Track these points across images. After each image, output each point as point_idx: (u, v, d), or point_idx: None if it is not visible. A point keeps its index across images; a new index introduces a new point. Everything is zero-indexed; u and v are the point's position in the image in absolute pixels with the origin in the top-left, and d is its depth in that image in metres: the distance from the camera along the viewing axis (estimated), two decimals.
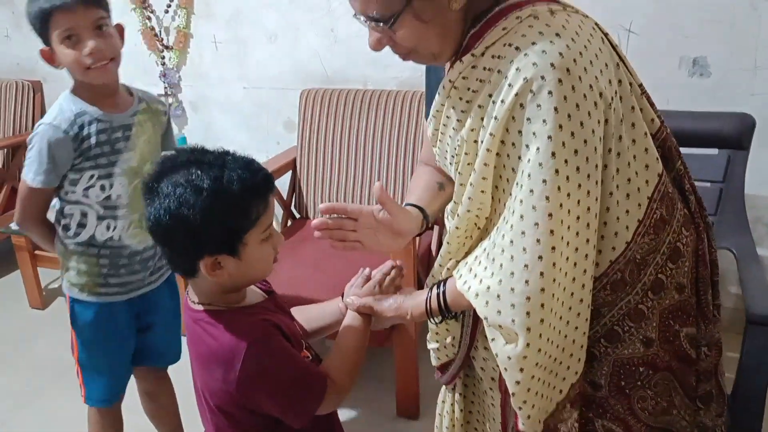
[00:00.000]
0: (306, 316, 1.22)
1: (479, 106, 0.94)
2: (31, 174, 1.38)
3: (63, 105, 1.40)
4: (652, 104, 1.02)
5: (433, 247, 2.25)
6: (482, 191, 0.97)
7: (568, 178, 0.87)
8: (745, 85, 2.08)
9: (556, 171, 0.86)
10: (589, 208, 0.90)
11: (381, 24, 0.92)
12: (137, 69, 2.89)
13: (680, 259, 1.01)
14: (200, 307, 1.03)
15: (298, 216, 2.60)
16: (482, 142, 0.94)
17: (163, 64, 2.85)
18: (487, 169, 0.94)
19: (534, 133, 0.87)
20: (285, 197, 2.56)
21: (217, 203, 0.93)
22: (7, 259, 2.90)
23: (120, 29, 1.42)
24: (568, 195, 0.87)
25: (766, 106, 2.03)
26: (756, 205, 2.17)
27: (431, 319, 1.10)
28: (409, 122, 2.38)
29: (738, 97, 2.08)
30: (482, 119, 0.94)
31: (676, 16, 2.09)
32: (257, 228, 0.98)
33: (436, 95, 1.02)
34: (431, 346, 1.22)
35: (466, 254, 1.05)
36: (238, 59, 2.77)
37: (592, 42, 0.92)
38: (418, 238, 1.92)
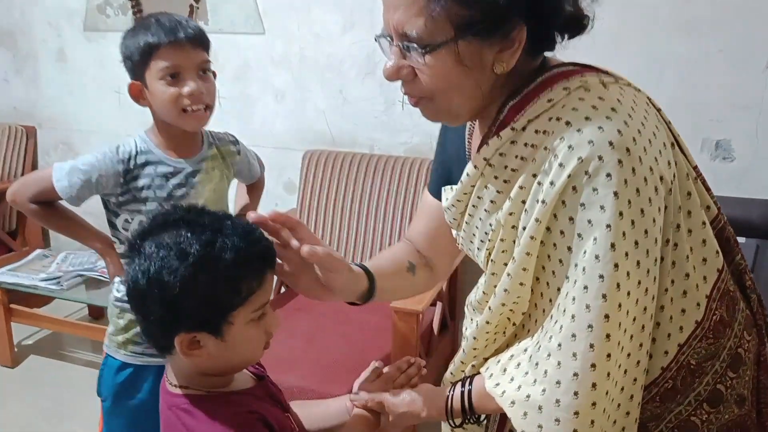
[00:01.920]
0: (308, 412, 1.06)
1: (520, 187, 0.83)
2: (64, 178, 1.30)
3: (131, 140, 1.35)
4: (707, 188, 0.91)
5: (435, 326, 2.11)
6: (521, 283, 0.85)
7: (628, 274, 0.76)
8: None
9: (615, 265, 0.75)
10: (645, 309, 0.79)
11: (414, 48, 0.79)
12: (139, 121, 2.80)
13: (741, 368, 0.89)
14: (178, 391, 0.87)
15: None
16: (524, 228, 0.82)
17: None
18: (529, 259, 0.82)
19: (590, 221, 0.76)
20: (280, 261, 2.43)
21: (203, 273, 0.78)
22: None
23: (214, 74, 1.36)
24: (628, 294, 0.76)
25: None
26: None
27: (450, 421, 0.96)
28: (416, 190, 2.27)
29: (763, 184, 1.98)
30: (524, 202, 0.83)
31: (699, 98, 2.03)
32: (247, 307, 0.83)
33: (465, 175, 0.90)
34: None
35: (495, 351, 0.92)
36: (242, 116, 2.69)
37: (648, 119, 0.82)
38: (420, 315, 1.78)
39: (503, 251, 0.87)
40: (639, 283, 0.77)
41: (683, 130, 2.08)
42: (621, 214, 0.75)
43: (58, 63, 2.97)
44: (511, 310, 0.88)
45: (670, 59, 2.03)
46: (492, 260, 0.89)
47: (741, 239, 1.78)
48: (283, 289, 2.44)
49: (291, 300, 2.28)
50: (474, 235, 0.94)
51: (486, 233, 0.90)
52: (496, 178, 0.86)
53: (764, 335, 0.94)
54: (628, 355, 0.79)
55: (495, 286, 0.89)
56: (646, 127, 0.80)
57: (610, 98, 0.80)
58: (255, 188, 1.66)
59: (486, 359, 0.94)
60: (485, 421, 0.97)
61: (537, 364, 0.82)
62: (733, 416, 0.89)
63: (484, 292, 0.92)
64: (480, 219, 0.91)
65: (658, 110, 0.89)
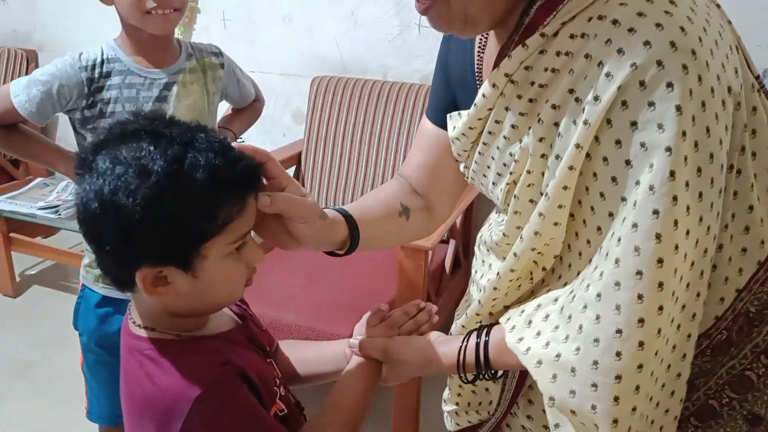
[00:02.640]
0: (300, 356, 0.94)
1: (553, 106, 0.68)
2: (23, 93, 1.17)
3: (101, 47, 1.23)
4: None
5: (447, 264, 1.99)
6: (556, 223, 0.70)
7: (688, 208, 0.62)
8: None
9: (674, 198, 0.61)
10: (706, 251, 0.65)
11: None
12: None
13: None
14: (142, 333, 0.74)
15: None
16: (557, 157, 0.67)
17: None
18: (566, 194, 0.68)
19: (643, 145, 0.61)
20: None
21: (170, 194, 0.64)
22: None
23: None
24: (687, 233, 0.62)
25: None
26: None
27: (462, 376, 0.82)
28: None
29: None
30: (557, 125, 0.68)
31: (750, 22, 1.81)
32: (224, 236, 0.68)
33: (480, 96, 0.75)
34: (448, 407, 0.96)
35: (518, 300, 0.79)
36: (247, 40, 2.52)
37: (711, 14, 0.65)
38: (430, 253, 1.65)
39: (529, 185, 0.73)
40: (701, 219, 0.63)
41: None
42: (684, 134, 0.60)
43: None
44: (540, 253, 0.74)
45: None
46: (515, 196, 0.74)
47: None
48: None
49: None
50: (489, 167, 0.79)
51: (505, 165, 0.76)
52: (519, 97, 0.71)
53: None
54: (683, 306, 0.66)
55: (519, 228, 0.74)
56: (711, 24, 0.64)
57: None
58: (245, 113, 1.49)
59: (507, 308, 0.80)
60: (502, 377, 0.84)
61: (570, 317, 0.68)
62: None
63: (504, 234, 0.78)
64: (498, 148, 0.76)
65: (717, 6, 0.72)
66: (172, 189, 0.64)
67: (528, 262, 0.76)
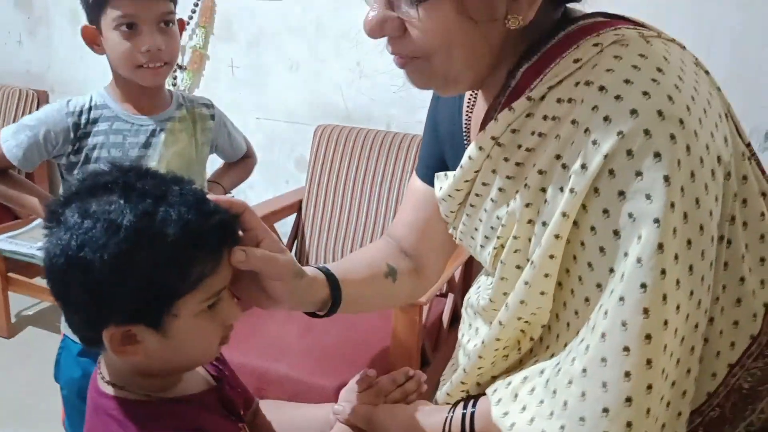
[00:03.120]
0: (283, 416, 0.91)
1: (540, 172, 0.66)
2: (11, 138, 1.18)
3: (90, 94, 1.26)
4: (762, 171, 0.72)
5: (445, 318, 1.95)
6: (542, 292, 0.68)
7: (678, 282, 0.59)
8: None
9: (662, 271, 0.58)
10: (697, 326, 0.63)
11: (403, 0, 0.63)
12: None
13: None
14: (110, 391, 0.71)
15: None
16: (544, 224, 0.65)
17: (174, 84, 2.64)
18: (552, 263, 0.66)
19: (631, 215, 0.59)
20: (286, 242, 2.29)
21: (139, 250, 0.61)
22: None
23: (181, 25, 1.23)
24: (677, 308, 0.60)
25: None
26: None
27: None
28: None
29: None
30: (544, 190, 0.66)
31: (753, 80, 1.81)
32: (197, 294, 0.66)
33: (466, 158, 0.73)
34: None
35: (506, 369, 0.77)
36: (255, 87, 2.55)
37: (699, 82, 0.64)
38: (425, 307, 1.62)
39: (516, 251, 0.70)
40: (691, 293, 0.61)
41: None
42: (672, 205, 0.58)
43: (71, 25, 2.88)
44: (527, 322, 0.72)
45: (724, 36, 1.81)
46: (502, 261, 0.72)
47: None
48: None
49: None
50: (476, 230, 0.77)
51: (492, 228, 0.74)
52: (506, 160, 0.69)
53: None
54: (673, 383, 0.63)
55: (505, 294, 0.72)
56: (699, 92, 0.63)
57: (655, 55, 0.62)
58: (236, 168, 1.50)
59: (494, 377, 0.78)
60: None
61: (555, 392, 0.65)
62: None
63: (491, 300, 0.76)
64: (485, 210, 0.74)
65: (706, 72, 0.70)
66: (141, 245, 0.61)
67: (514, 331, 0.73)
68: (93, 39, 1.19)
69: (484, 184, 0.73)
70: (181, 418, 0.71)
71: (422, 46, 0.65)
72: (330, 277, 0.81)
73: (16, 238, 2.48)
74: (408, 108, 2.29)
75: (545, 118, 0.66)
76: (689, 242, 0.59)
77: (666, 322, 0.59)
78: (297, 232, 2.30)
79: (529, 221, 0.68)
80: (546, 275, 0.66)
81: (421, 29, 0.64)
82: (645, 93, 0.59)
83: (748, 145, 0.72)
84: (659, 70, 0.61)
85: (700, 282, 0.61)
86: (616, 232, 0.60)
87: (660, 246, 0.58)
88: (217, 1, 2.49)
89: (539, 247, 0.66)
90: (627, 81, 0.60)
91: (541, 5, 0.63)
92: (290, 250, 2.29)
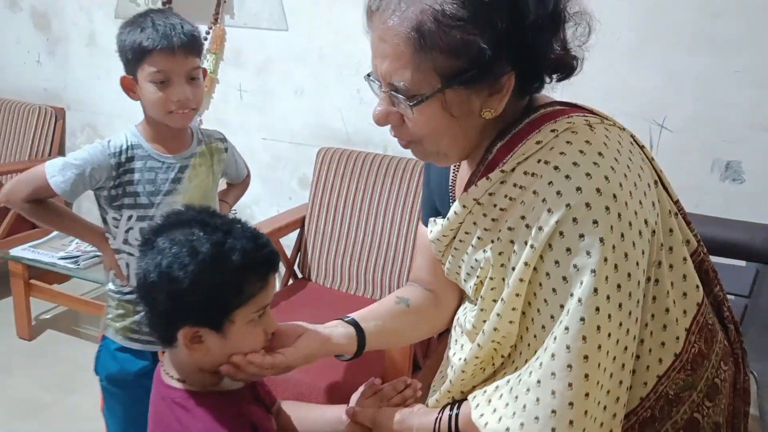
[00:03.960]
0: (301, 415, 1.11)
1: (509, 228, 0.85)
2: (57, 173, 1.34)
3: (122, 134, 1.40)
4: (688, 222, 0.92)
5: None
6: (510, 321, 0.87)
7: (609, 316, 0.78)
8: None
9: (597, 309, 0.77)
10: (626, 348, 0.81)
11: (401, 98, 0.80)
12: None
13: (718, 396, 0.91)
14: (175, 384, 0.92)
15: (300, 276, 2.51)
16: (513, 268, 0.84)
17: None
18: (517, 300, 0.84)
19: (575, 266, 0.78)
20: (289, 255, 2.48)
21: (212, 270, 0.84)
22: (3, 283, 2.83)
23: (204, 73, 1.41)
24: (609, 335, 0.78)
25: None
26: None
27: None
28: None
29: None
30: (512, 242, 0.84)
31: (714, 117, 2.01)
32: (249, 307, 0.88)
33: (452, 213, 0.92)
34: None
35: (483, 381, 0.95)
36: (261, 109, 2.74)
37: (633, 160, 0.83)
38: None
39: (492, 288, 0.89)
40: (620, 324, 0.79)
41: (696, 148, 2.08)
42: (606, 259, 0.76)
43: (88, 47, 3.05)
44: (499, 343, 0.90)
45: (689, 77, 2.02)
46: (481, 296, 0.91)
47: (741, 263, 1.79)
48: (290, 281, 2.49)
49: (296, 293, 2.33)
50: (460, 267, 0.96)
51: (472, 267, 0.92)
52: (484, 215, 0.88)
53: (740, 363, 0.96)
54: (608, 392, 0.81)
55: (484, 321, 0.91)
56: (632, 169, 0.81)
57: (597, 141, 0.81)
58: (238, 186, 1.72)
59: (474, 387, 0.96)
60: None
61: (516, 397, 0.83)
62: None
63: (473, 326, 0.94)
64: (467, 253, 0.93)
65: (642, 147, 0.90)
66: (214, 267, 0.84)
67: (489, 350, 0.92)
68: (130, 87, 1.36)
69: (466, 233, 0.92)
70: (230, 406, 0.92)
71: (416, 134, 0.85)
72: (353, 323, 1.03)
73: (37, 247, 2.66)
74: None
75: (515, 185, 0.84)
76: (618, 286, 0.78)
77: (600, 347, 0.78)
78: (300, 245, 2.49)
79: (502, 265, 0.87)
80: (513, 308, 0.85)
81: (414, 122, 0.83)
82: (588, 174, 0.78)
83: (677, 202, 0.92)
84: (600, 154, 0.79)
85: (627, 315, 0.79)
86: (565, 278, 0.79)
87: (595, 290, 0.77)
88: (228, 30, 2.68)
89: (508, 287, 0.85)
90: (575, 163, 0.79)
91: (509, 99, 0.82)
92: (293, 263, 2.48)
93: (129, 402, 1.44)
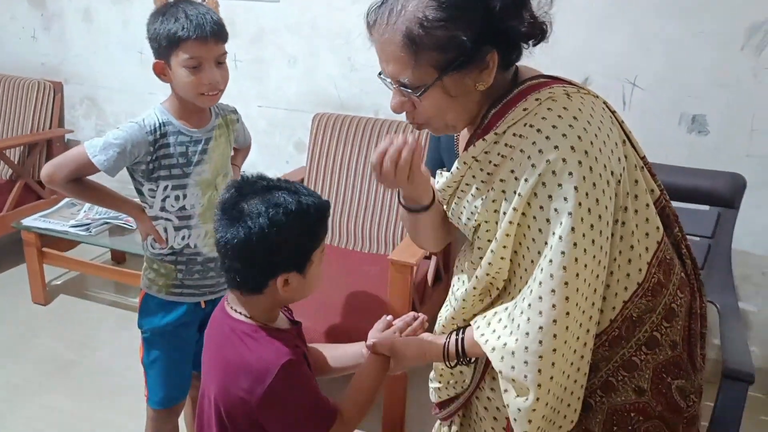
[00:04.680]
0: (331, 353, 1.29)
1: (501, 180, 1.01)
2: (99, 152, 1.46)
3: (152, 113, 1.52)
4: (652, 174, 1.09)
5: (430, 277, 2.33)
6: (502, 257, 1.03)
7: (585, 250, 0.94)
8: (741, 146, 2.16)
9: (575, 244, 0.93)
10: (598, 276, 0.97)
11: (408, 91, 0.98)
12: (160, 81, 2.97)
13: (674, 319, 1.08)
14: (244, 318, 1.09)
15: None
16: (504, 213, 1.00)
17: None
18: (508, 239, 1.01)
19: (556, 210, 0.94)
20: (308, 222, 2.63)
21: (300, 225, 1.02)
22: (15, 252, 2.97)
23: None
24: (585, 266, 0.95)
25: (759, 168, 2.12)
26: (746, 262, 2.25)
27: (447, 363, 1.16)
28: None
29: (733, 157, 2.16)
30: (504, 192, 1.01)
31: (681, 75, 2.19)
32: (320, 247, 1.08)
33: (455, 168, 1.08)
34: (434, 385, 1.29)
35: (482, 310, 1.12)
36: (256, 79, 2.86)
37: (603, 122, 0.99)
38: (414, 267, 1.99)
39: (487, 230, 1.06)
40: (594, 257, 0.95)
41: (665, 103, 2.26)
42: (580, 204, 0.92)
43: (84, 23, 3.13)
44: (494, 277, 1.07)
45: (656, 40, 2.18)
46: (478, 236, 1.08)
47: (705, 207, 1.98)
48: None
49: None
50: (461, 213, 1.12)
51: (471, 212, 1.08)
52: (481, 170, 1.05)
53: (696, 292, 1.13)
54: (583, 312, 0.98)
55: (481, 258, 1.07)
56: (602, 130, 0.98)
57: (573, 107, 0.97)
58: (243, 151, 1.89)
59: (474, 315, 1.13)
60: (474, 363, 1.16)
61: (513, 319, 1.00)
62: (667, 357, 1.08)
63: (471, 262, 1.12)
64: (467, 201, 1.09)
65: (613, 112, 1.06)
66: (301, 221, 1.03)
67: (485, 283, 1.09)
68: (162, 71, 1.49)
69: (467, 184, 1.09)
70: (286, 338, 1.10)
71: (426, 116, 1.02)
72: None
73: (47, 217, 2.79)
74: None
75: (506, 145, 1.01)
76: (592, 226, 0.94)
77: (577, 275, 0.95)
78: None
79: (495, 211, 1.04)
80: (504, 246, 1.02)
81: (423, 107, 1.00)
82: (564, 135, 0.94)
83: (643, 158, 1.08)
84: (575, 118, 0.96)
85: (599, 249, 0.96)
86: (548, 220, 0.96)
87: (573, 229, 0.93)
88: (221, 1, 2.78)
89: (500, 229, 1.02)
90: (554, 126, 0.95)
91: (496, 73, 0.98)
92: None
93: (170, 350, 1.61)
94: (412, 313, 1.29)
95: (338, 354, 1.29)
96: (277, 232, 1.00)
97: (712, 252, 1.97)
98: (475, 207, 1.07)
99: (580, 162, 0.93)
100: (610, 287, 1.03)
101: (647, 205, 1.05)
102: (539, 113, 0.97)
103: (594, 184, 0.94)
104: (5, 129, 3.19)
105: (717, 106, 2.17)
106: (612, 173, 0.97)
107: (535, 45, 1.00)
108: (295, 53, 2.76)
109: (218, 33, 1.45)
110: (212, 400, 1.09)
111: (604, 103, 1.06)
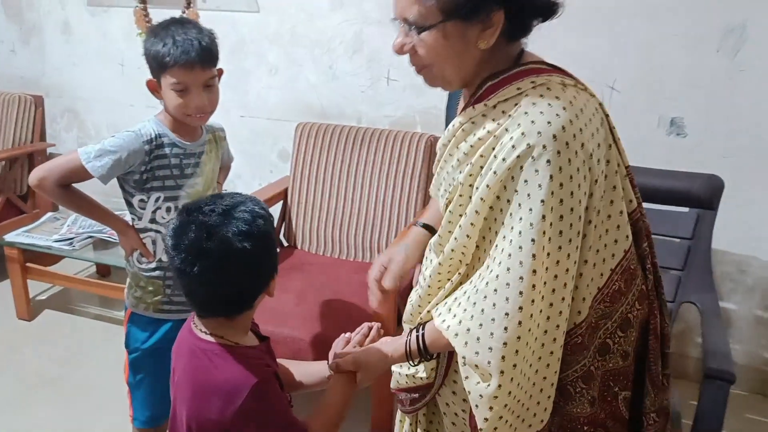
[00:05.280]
0: (296, 370, 1.30)
1: (481, 155, 1.01)
2: (93, 158, 1.45)
3: (147, 124, 1.52)
4: (634, 186, 1.10)
5: (414, 282, 2.32)
6: (468, 236, 1.03)
7: (550, 239, 0.94)
8: (718, 148, 2.19)
9: (543, 232, 0.94)
10: (567, 270, 0.98)
11: (412, 30, 0.99)
12: (140, 92, 2.96)
13: (629, 329, 1.09)
14: (211, 339, 1.08)
15: (286, 244, 2.67)
16: (477, 189, 1.00)
17: None
18: (477, 217, 1.01)
19: (529, 195, 0.94)
20: (275, 225, 2.63)
21: (272, 229, 1.08)
22: None
23: (220, 73, 1.53)
24: (548, 255, 0.95)
25: (736, 169, 2.14)
26: (725, 260, 2.28)
27: (410, 361, 1.16)
28: (398, 161, 2.47)
29: (711, 158, 2.19)
30: (481, 168, 1.01)
31: (658, 78, 2.21)
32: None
33: (445, 131, 1.10)
34: (395, 368, 1.29)
35: (445, 297, 1.12)
36: (238, 89, 2.86)
37: (592, 121, 1.00)
38: None
39: (460, 205, 1.05)
40: (560, 248, 0.95)
41: (643, 106, 2.29)
42: (553, 193, 0.93)
43: (62, 35, 3.12)
44: (462, 254, 1.07)
45: (632, 43, 2.21)
46: (450, 211, 1.07)
47: (684, 209, 2.00)
48: (278, 250, 2.65)
49: (284, 261, 2.49)
50: (441, 184, 1.13)
51: (449, 184, 1.08)
52: (465, 141, 1.05)
53: (656, 308, 1.14)
54: (551, 304, 0.98)
55: (450, 233, 1.07)
56: (588, 127, 0.98)
57: (565, 99, 0.96)
58: (225, 169, 1.89)
59: (437, 305, 1.13)
60: (437, 359, 1.17)
61: (474, 303, 1.00)
62: (617, 366, 1.09)
63: (440, 235, 1.11)
64: (447, 172, 1.09)
65: (606, 116, 1.07)
66: (271, 225, 1.08)
67: (452, 263, 1.08)
68: (155, 89, 1.50)
69: (450, 154, 1.09)
70: (257, 356, 1.10)
71: (426, 60, 1.02)
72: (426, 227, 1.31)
73: (30, 232, 2.76)
74: (375, 104, 2.64)
75: (493, 120, 1.00)
76: (561, 217, 0.94)
77: (543, 263, 0.95)
78: (284, 215, 2.65)
79: (470, 185, 1.03)
80: (472, 224, 1.02)
81: (423, 48, 1.00)
82: (549, 122, 0.93)
83: (627, 167, 1.09)
84: (564, 108, 0.95)
85: (567, 242, 0.95)
86: (520, 205, 0.95)
87: (543, 217, 0.93)
88: (201, 13, 2.78)
89: (471, 204, 1.01)
90: (541, 113, 0.95)
91: (501, 39, 0.99)
92: (279, 232, 2.65)
93: (156, 369, 1.60)
94: (365, 324, 1.30)
95: (303, 371, 1.31)
96: (262, 245, 1.01)
97: (692, 253, 1.99)
98: (453, 179, 1.07)
99: (559, 152, 0.93)
100: (578, 290, 1.03)
101: (621, 212, 1.05)
102: (531, 97, 0.98)
103: (570, 177, 0.94)
104: None
105: (694, 107, 2.19)
106: (590, 169, 0.97)
107: (543, 21, 1.01)
108: (276, 62, 2.76)
109: (205, 58, 1.44)
110: (184, 422, 1.09)
111: (600, 104, 1.06)
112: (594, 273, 1.04)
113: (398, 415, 1.37)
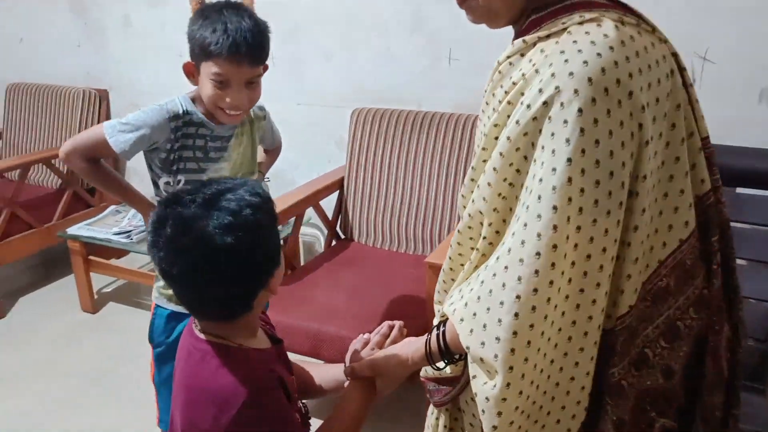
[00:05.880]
0: (316, 372, 1.17)
1: (509, 102, 0.82)
2: (117, 134, 1.36)
3: (176, 100, 1.40)
4: (712, 164, 0.88)
5: None
6: (484, 198, 0.85)
7: (581, 210, 0.75)
8: None
9: (569, 199, 0.74)
10: (605, 249, 0.77)
11: None
12: None
13: (677, 341, 0.88)
14: (211, 339, 0.95)
15: (342, 237, 2.54)
16: (497, 139, 0.83)
17: None
18: (495, 177, 0.83)
19: (553, 151, 0.75)
20: (330, 217, 2.51)
21: (270, 215, 0.93)
22: (64, 262, 2.97)
23: (265, 69, 1.40)
24: (578, 228, 0.75)
25: None
26: None
27: (433, 366, 0.99)
28: (461, 146, 2.28)
29: None
30: (508, 117, 0.82)
31: (759, 45, 1.91)
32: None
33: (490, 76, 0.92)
34: None
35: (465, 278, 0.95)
36: (293, 76, 2.75)
37: (653, 69, 0.78)
38: None
39: (483, 161, 0.87)
40: (594, 221, 0.75)
41: (739, 80, 1.99)
42: (584, 151, 0.73)
43: (123, 31, 3.11)
44: (480, 223, 0.88)
45: (729, 7, 1.91)
46: (473, 167, 0.90)
47: None
48: (333, 242, 2.53)
49: (339, 254, 2.36)
50: (478, 137, 0.95)
51: (481, 139, 0.90)
52: (501, 86, 0.86)
53: (716, 322, 0.90)
54: (581, 290, 0.79)
55: (471, 192, 0.90)
56: (645, 75, 0.77)
57: (615, 38, 0.76)
58: (273, 152, 1.77)
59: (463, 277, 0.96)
60: (464, 359, 0.98)
61: (483, 282, 0.82)
62: (656, 385, 0.88)
63: (463, 196, 0.94)
64: (484, 125, 0.91)
65: (682, 70, 0.85)
66: (269, 213, 0.92)
67: (472, 231, 0.90)
68: (191, 72, 1.37)
69: (486, 103, 0.91)
70: (261, 361, 0.96)
71: None
72: None
73: (92, 225, 2.78)
74: (436, 88, 2.45)
75: (530, 61, 0.82)
76: (597, 182, 0.74)
77: (568, 237, 0.75)
78: (341, 207, 2.52)
79: (495, 137, 0.84)
80: (489, 184, 0.84)
81: None
82: (585, 62, 0.74)
83: (705, 138, 0.87)
84: (611, 48, 0.74)
85: (605, 214, 0.75)
86: (542, 163, 0.76)
87: (569, 179, 0.74)
88: None
89: (489, 161, 0.84)
90: (579, 51, 0.75)
91: None
92: (335, 224, 2.52)
93: None
94: (386, 323, 1.13)
95: (321, 374, 1.15)
96: (250, 239, 0.86)
97: None
98: (484, 135, 0.88)
99: (594, 99, 0.73)
100: (619, 280, 0.82)
101: (682, 191, 0.83)
102: (574, 34, 0.78)
103: (610, 133, 0.74)
104: (53, 139, 3.21)
105: None
106: (640, 126, 0.76)
107: None
108: (331, 47, 2.63)
109: (255, 55, 1.30)
110: (179, 428, 0.97)
111: (674, 54, 0.84)
112: (640, 265, 0.83)
113: (430, 406, 1.20)
